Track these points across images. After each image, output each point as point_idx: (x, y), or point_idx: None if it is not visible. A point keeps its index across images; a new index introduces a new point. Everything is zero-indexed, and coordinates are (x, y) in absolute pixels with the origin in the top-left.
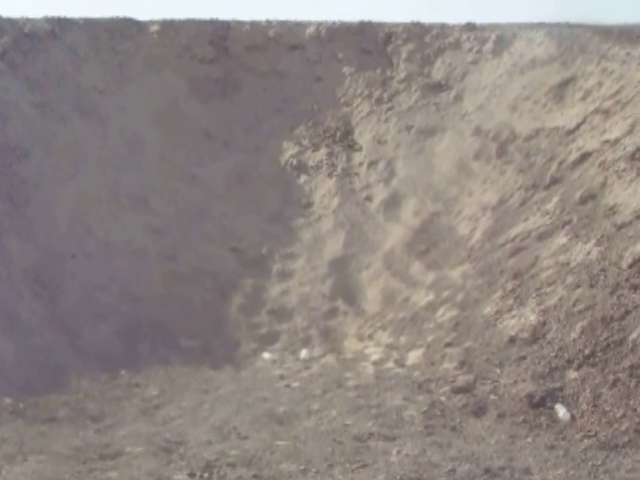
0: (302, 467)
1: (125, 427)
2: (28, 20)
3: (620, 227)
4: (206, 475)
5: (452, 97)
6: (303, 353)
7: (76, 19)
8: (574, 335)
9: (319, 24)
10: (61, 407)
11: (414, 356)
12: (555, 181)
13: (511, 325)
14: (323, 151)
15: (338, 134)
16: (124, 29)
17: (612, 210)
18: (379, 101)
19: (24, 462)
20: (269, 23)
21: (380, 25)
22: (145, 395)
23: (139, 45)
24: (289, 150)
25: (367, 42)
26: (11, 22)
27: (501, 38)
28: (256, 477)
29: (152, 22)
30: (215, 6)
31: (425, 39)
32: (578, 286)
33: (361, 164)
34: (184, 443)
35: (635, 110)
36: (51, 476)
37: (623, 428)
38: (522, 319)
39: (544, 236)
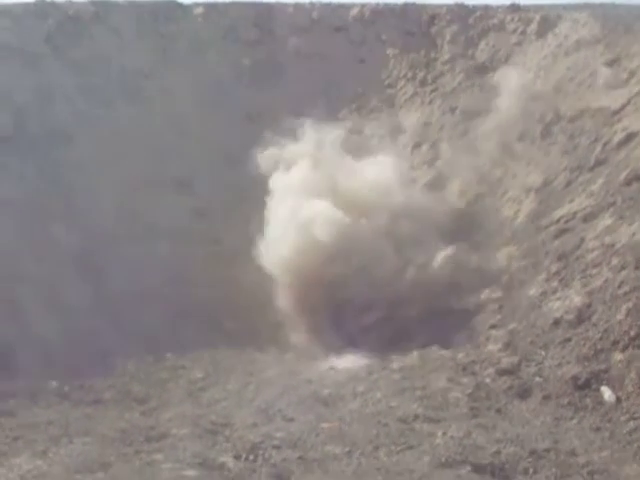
0: (347, 449)
1: (170, 409)
2: (72, 3)
3: None
4: (251, 457)
5: (496, 79)
6: None
7: (120, 2)
8: (619, 317)
9: (362, 6)
10: (107, 389)
11: (459, 338)
12: (600, 162)
13: (556, 307)
14: (367, 133)
15: (382, 116)
16: (168, 12)
17: None
18: (423, 83)
19: (70, 444)
20: (312, 5)
21: (423, 7)
22: (190, 377)
23: (183, 28)
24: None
25: (411, 24)
26: (55, 5)
27: (545, 19)
28: (301, 459)
29: (196, 4)
30: None
31: (469, 20)
32: (623, 268)
33: (405, 146)
34: (229, 425)
35: None
36: (97, 458)
37: None
38: (567, 301)
39: (589, 218)
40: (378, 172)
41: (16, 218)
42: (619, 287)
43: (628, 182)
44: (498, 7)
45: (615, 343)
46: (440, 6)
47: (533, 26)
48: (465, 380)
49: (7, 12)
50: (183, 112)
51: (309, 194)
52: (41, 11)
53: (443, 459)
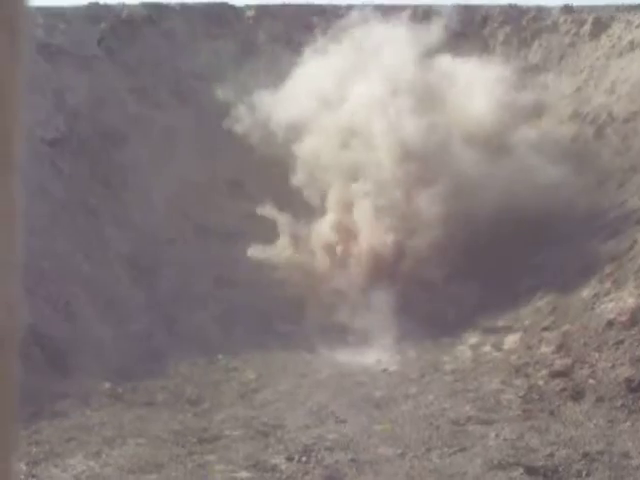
0: (400, 451)
1: (223, 411)
2: (125, 6)
3: None
4: (304, 459)
5: (549, 80)
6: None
7: (172, 5)
8: None
9: (415, 7)
10: (159, 391)
11: (511, 340)
12: None
13: (609, 308)
14: None
15: None
16: (220, 14)
17: None
18: None
19: (123, 445)
20: (364, 7)
21: (477, 8)
22: (243, 379)
23: (236, 30)
24: None
25: (464, 25)
26: (108, 8)
27: (599, 20)
28: (354, 461)
29: (248, 7)
30: None
31: (522, 22)
32: None
33: None
34: (282, 427)
35: None
36: (150, 459)
37: None
38: (620, 302)
39: None
40: None
41: (68, 220)
42: None
43: None
44: (551, 8)
45: None
46: (493, 7)
47: (586, 27)
48: (518, 382)
49: (60, 15)
50: (235, 114)
51: None
52: (94, 14)
53: (496, 461)
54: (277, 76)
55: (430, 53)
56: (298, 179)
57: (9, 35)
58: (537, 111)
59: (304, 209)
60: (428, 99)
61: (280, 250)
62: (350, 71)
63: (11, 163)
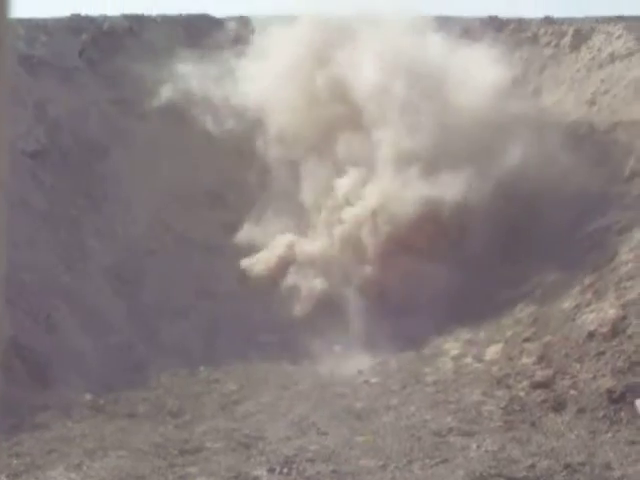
0: (381, 463)
1: (205, 423)
2: (106, 18)
3: None
4: (285, 470)
5: (530, 91)
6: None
7: (153, 16)
8: None
9: None
10: (141, 403)
11: (493, 351)
12: (634, 174)
13: (590, 320)
14: None
15: None
16: (201, 25)
17: None
18: None
19: (104, 457)
20: None
21: (457, 19)
22: (224, 391)
23: (217, 41)
24: None
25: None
26: (90, 20)
27: (579, 32)
28: (335, 472)
29: (229, 18)
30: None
31: (502, 34)
32: None
33: None
34: (263, 438)
35: None
36: (131, 471)
37: None
38: (601, 313)
39: (623, 230)
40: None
41: (50, 231)
42: None
43: None
44: (531, 20)
45: None
46: (473, 19)
47: (567, 39)
48: (499, 393)
49: (41, 26)
50: (217, 125)
51: None
52: (75, 25)
53: (477, 473)
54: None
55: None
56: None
57: None
58: (519, 122)
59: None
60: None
61: (262, 262)
62: None
63: None
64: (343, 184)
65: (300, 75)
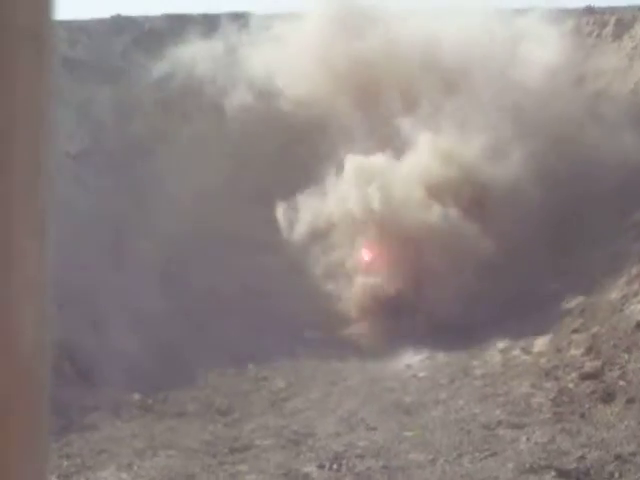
0: (431, 457)
1: (254, 420)
2: (147, 18)
3: None
4: (335, 466)
5: (573, 81)
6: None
7: (194, 15)
8: None
9: None
10: (190, 402)
11: (541, 343)
12: None
13: (638, 310)
14: None
15: None
16: (241, 24)
17: None
18: None
19: (154, 457)
20: None
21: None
22: (272, 388)
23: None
24: None
25: None
26: (131, 20)
27: (621, 21)
28: (385, 468)
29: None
30: None
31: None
32: None
33: None
34: (312, 435)
35: None
36: (181, 470)
37: None
38: None
39: None
40: None
41: (95, 232)
42: None
43: None
44: (573, 10)
45: None
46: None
47: (609, 28)
48: (548, 385)
49: (83, 28)
50: (260, 124)
51: None
52: (117, 26)
53: (527, 465)
54: None
55: None
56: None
57: (37, 47)
58: (568, 110)
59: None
60: None
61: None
62: None
63: (44, 175)
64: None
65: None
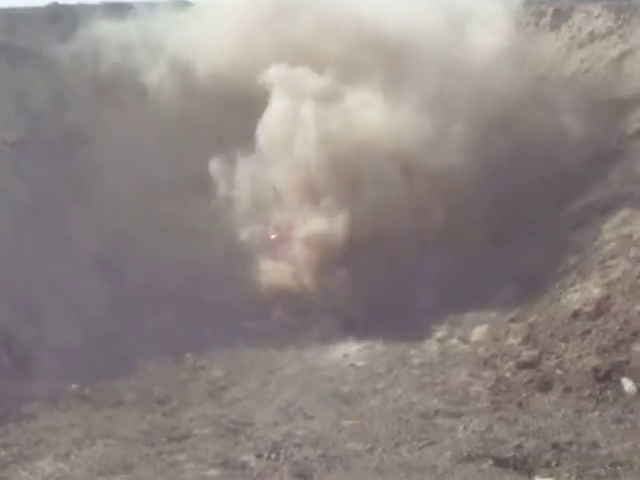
0: (369, 446)
1: (192, 409)
2: (83, 6)
3: None
4: (273, 456)
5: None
6: None
7: (135, 3)
8: (639, 308)
9: None
10: (127, 391)
11: (478, 332)
12: (615, 153)
13: (575, 299)
14: None
15: None
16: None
17: None
18: None
19: (92, 446)
20: None
21: None
22: (210, 377)
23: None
24: None
25: None
26: (67, 8)
27: (558, 11)
28: (323, 457)
29: None
30: None
31: None
32: None
33: None
34: (251, 424)
35: None
36: (119, 460)
37: None
38: (586, 293)
39: (606, 209)
40: None
41: (32, 221)
42: (638, 278)
43: None
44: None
45: (635, 334)
46: None
47: (546, 19)
48: (486, 374)
49: (22, 16)
50: (198, 110)
51: None
52: (54, 14)
53: (465, 454)
54: None
55: None
56: None
57: None
58: (505, 100)
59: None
60: None
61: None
62: None
63: None
64: None
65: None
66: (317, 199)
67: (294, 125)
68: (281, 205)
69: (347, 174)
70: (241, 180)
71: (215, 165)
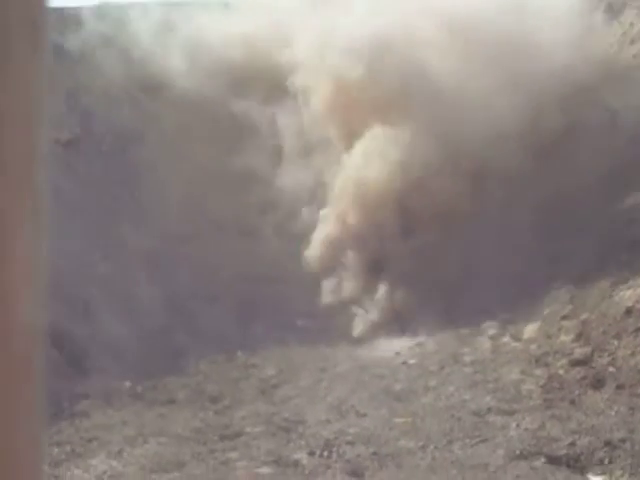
0: (421, 443)
1: (244, 407)
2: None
3: None
4: (325, 454)
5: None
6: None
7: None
8: None
9: None
10: (180, 389)
11: (530, 329)
12: None
13: (627, 296)
14: None
15: None
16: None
17: None
18: None
19: (145, 444)
20: None
21: None
22: (262, 375)
23: None
24: None
25: None
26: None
27: (610, 7)
28: (375, 454)
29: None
30: None
31: None
32: None
33: None
34: (302, 422)
35: None
36: (172, 458)
37: None
38: (638, 290)
39: None
40: None
41: (84, 220)
42: None
43: None
44: None
45: None
46: None
47: (598, 14)
48: (538, 372)
49: (73, 15)
50: (249, 106)
51: None
52: (101, 12)
53: (517, 451)
54: None
55: None
56: None
57: (32, 35)
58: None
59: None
60: None
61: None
62: None
63: (37, 161)
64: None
65: None
66: None
67: None
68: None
69: None
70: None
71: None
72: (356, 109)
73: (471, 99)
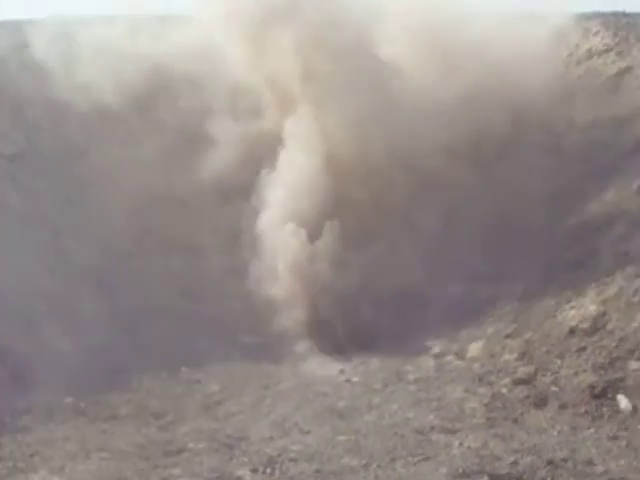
0: (364, 461)
1: (187, 423)
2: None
3: None
4: (268, 470)
5: None
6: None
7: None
8: (635, 325)
9: None
10: (123, 405)
11: (474, 348)
12: (612, 171)
13: (570, 316)
14: None
15: None
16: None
17: None
18: None
19: (87, 460)
20: None
21: None
22: (206, 391)
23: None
24: None
25: None
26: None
27: (557, 28)
28: (318, 472)
29: None
30: None
31: None
32: (637, 276)
33: None
34: (246, 439)
35: None
36: (114, 473)
37: None
38: (582, 310)
39: (602, 226)
40: None
41: (28, 234)
42: (634, 295)
43: None
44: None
45: (631, 351)
46: None
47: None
48: (481, 390)
49: (21, 27)
50: (194, 126)
51: None
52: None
53: (460, 470)
54: None
55: None
56: None
57: None
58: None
59: None
60: None
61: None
62: None
63: None
64: None
65: None
66: None
67: None
68: None
69: None
70: None
71: None
72: None
73: (423, 112)
